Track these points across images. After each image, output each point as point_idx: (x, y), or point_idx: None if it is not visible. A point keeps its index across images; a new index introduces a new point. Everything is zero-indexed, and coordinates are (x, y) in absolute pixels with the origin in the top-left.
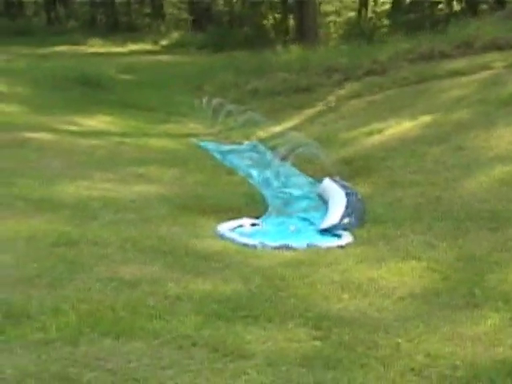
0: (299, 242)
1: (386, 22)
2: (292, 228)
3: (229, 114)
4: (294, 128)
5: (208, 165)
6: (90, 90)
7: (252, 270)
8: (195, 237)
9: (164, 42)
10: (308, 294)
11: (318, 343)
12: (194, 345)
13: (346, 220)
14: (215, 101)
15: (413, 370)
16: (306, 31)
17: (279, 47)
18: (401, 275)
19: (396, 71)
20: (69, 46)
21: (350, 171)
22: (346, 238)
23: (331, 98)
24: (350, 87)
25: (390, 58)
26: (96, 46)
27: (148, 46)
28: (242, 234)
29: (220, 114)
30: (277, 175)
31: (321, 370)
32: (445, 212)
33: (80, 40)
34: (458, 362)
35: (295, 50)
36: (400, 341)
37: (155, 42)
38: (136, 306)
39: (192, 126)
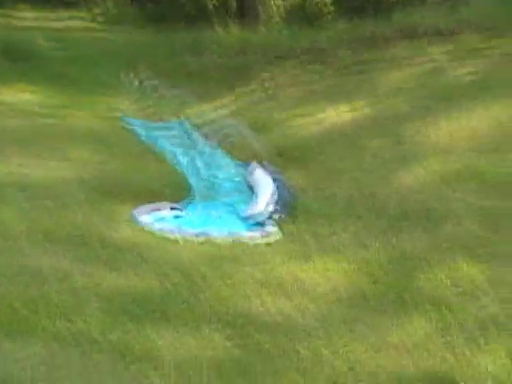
0: (220, 230)
1: (331, 7)
2: (215, 214)
3: (156, 89)
4: (226, 109)
5: (133, 148)
6: (13, 64)
7: (171, 265)
8: (113, 225)
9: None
10: (229, 296)
11: (234, 350)
12: (99, 350)
13: (270, 207)
14: (143, 75)
15: (335, 383)
16: (247, 12)
17: (219, 27)
18: (329, 277)
19: (337, 57)
20: None
21: (283, 160)
22: (273, 232)
23: (267, 78)
24: (289, 72)
25: (331, 43)
26: (27, 16)
27: (82, 14)
28: (159, 219)
29: (147, 90)
30: (201, 155)
31: (234, 379)
32: (379, 209)
33: (8, 7)
34: (383, 376)
35: (235, 31)
36: (323, 350)
37: (90, 10)
38: (39, 304)
39: (120, 104)
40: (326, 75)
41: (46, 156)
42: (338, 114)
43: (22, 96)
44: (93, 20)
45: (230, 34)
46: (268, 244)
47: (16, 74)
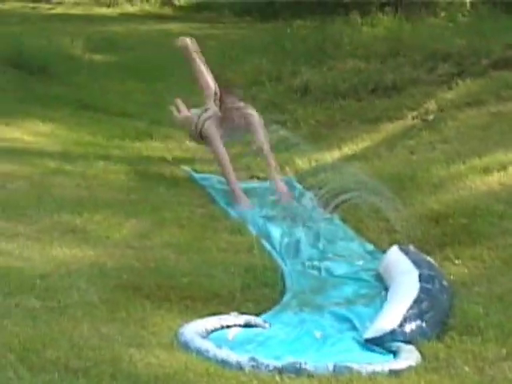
0: (322, 361)
1: None
2: (318, 335)
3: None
4: (360, 156)
5: (197, 214)
6: (28, 77)
7: None
8: (138, 346)
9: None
10: None
11: None
12: None
13: (411, 325)
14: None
15: None
16: None
17: (356, 15)
18: None
19: None
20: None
21: (440, 235)
22: (408, 356)
23: (431, 107)
24: (464, 88)
25: None
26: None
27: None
28: (222, 343)
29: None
30: (316, 237)
31: None
32: None
33: None
34: None
35: (385, 21)
36: None
37: None
38: None
39: (189, 147)
40: None
41: (47, 226)
42: None
43: (30, 128)
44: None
45: (374, 26)
46: (393, 372)
47: (27, 95)
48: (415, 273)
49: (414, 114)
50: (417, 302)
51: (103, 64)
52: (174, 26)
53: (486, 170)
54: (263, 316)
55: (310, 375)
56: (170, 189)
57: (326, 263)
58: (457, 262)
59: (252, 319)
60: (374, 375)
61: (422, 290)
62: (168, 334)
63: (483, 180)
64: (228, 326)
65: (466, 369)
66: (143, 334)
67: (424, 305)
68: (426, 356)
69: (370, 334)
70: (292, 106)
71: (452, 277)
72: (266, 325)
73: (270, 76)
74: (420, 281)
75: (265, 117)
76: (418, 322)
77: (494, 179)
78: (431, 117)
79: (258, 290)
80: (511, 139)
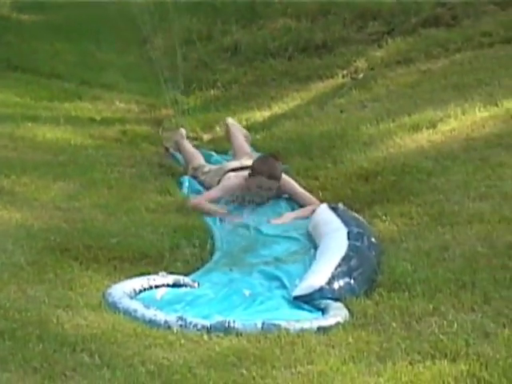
0: (251, 319)
1: None
2: (247, 293)
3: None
4: (290, 115)
5: (126, 175)
6: None
7: (148, 375)
8: (65, 307)
9: None
10: None
11: None
12: None
13: (339, 283)
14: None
15: None
16: None
17: None
18: None
19: (474, 19)
20: None
21: (369, 193)
22: (336, 313)
23: (361, 65)
24: (393, 46)
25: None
26: None
27: None
28: (150, 303)
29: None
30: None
31: None
32: None
33: None
34: None
35: None
36: None
37: None
38: None
39: (118, 108)
40: (454, 49)
41: None
42: (467, 112)
43: None
44: None
45: None
46: (321, 329)
47: None
48: (344, 230)
49: (344, 72)
50: (345, 259)
51: (31, 24)
52: None
53: (415, 128)
54: (192, 275)
55: (239, 333)
56: (99, 150)
57: (256, 222)
58: (385, 219)
59: (181, 279)
60: (302, 332)
61: (350, 247)
62: (96, 295)
63: (412, 137)
64: (156, 286)
65: (394, 324)
66: (71, 295)
67: (352, 262)
68: (354, 313)
69: (298, 291)
70: (223, 65)
71: (380, 234)
72: (195, 284)
73: (201, 35)
74: (349, 238)
75: (196, 76)
76: (347, 280)
77: (423, 136)
78: (361, 75)
79: (187, 249)
80: (440, 97)
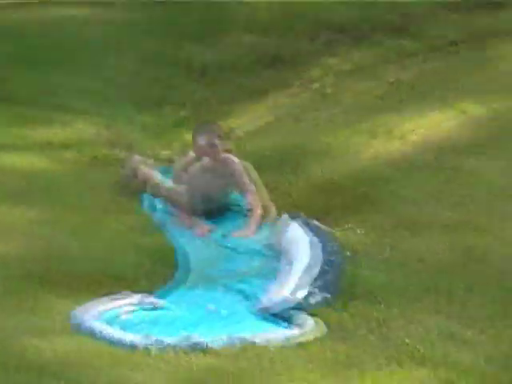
0: (216, 334)
1: None
2: (211, 308)
3: None
4: (254, 131)
5: (98, 197)
6: None
7: None
8: (38, 333)
9: None
10: None
11: None
12: None
13: (302, 292)
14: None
15: None
16: None
17: None
18: None
19: (434, 28)
20: None
21: (338, 204)
22: (308, 324)
23: (318, 76)
24: (358, 57)
25: (424, 9)
26: None
27: None
28: (114, 323)
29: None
30: None
31: None
32: (489, 278)
33: None
34: None
35: None
36: None
37: None
38: None
39: (84, 129)
40: (419, 58)
41: None
42: (434, 120)
43: None
44: None
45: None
46: (300, 348)
47: None
48: (306, 241)
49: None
50: (308, 269)
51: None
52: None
53: (382, 137)
54: (156, 293)
55: (204, 349)
56: (71, 175)
57: (219, 236)
58: (359, 231)
59: (145, 297)
60: (272, 345)
61: (312, 257)
62: (61, 319)
63: (378, 148)
64: (120, 306)
65: (371, 337)
66: (35, 320)
67: (314, 272)
68: (331, 326)
69: (263, 303)
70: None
71: (354, 246)
72: (160, 302)
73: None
74: (312, 249)
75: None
76: (311, 288)
77: (391, 146)
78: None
79: (151, 267)
80: (408, 105)
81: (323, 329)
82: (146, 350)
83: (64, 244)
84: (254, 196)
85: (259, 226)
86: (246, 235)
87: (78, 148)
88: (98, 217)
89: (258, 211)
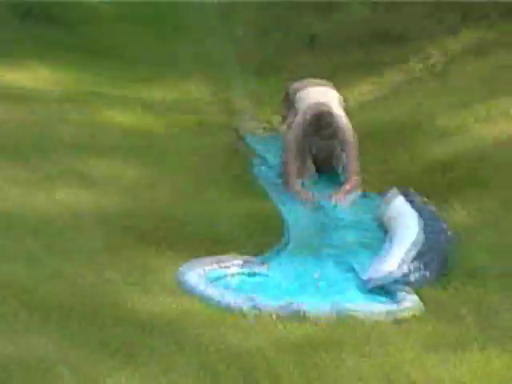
0: (321, 301)
1: None
2: (316, 275)
3: None
4: (366, 104)
5: (203, 160)
6: (36, 28)
7: (228, 360)
8: (141, 291)
9: None
10: None
11: None
12: None
13: (406, 267)
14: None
15: None
16: None
17: None
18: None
19: None
20: None
21: (446, 185)
22: (407, 301)
23: (434, 55)
24: (470, 37)
25: None
26: None
27: None
28: (219, 281)
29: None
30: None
31: None
32: None
33: None
34: None
35: None
36: None
37: None
38: None
39: (195, 92)
40: None
41: (49, 170)
42: None
43: (33, 72)
44: None
45: None
46: (396, 323)
47: (33, 42)
48: (415, 217)
49: (418, 61)
50: (416, 245)
51: (112, 15)
52: None
53: (492, 120)
54: (260, 258)
55: (311, 319)
56: (175, 137)
57: (328, 207)
58: (462, 211)
59: (249, 261)
60: (372, 316)
61: (420, 234)
62: (171, 279)
63: (489, 129)
64: (227, 267)
65: (469, 318)
66: (146, 279)
67: (423, 248)
68: (429, 304)
69: (368, 275)
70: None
71: (457, 226)
72: (263, 267)
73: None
74: (419, 225)
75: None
76: (418, 265)
77: (501, 128)
78: (434, 64)
79: (256, 232)
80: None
81: (421, 307)
82: (247, 312)
83: (168, 204)
84: (355, 162)
85: (353, 194)
86: (343, 197)
87: (187, 111)
88: (203, 180)
89: (355, 177)
